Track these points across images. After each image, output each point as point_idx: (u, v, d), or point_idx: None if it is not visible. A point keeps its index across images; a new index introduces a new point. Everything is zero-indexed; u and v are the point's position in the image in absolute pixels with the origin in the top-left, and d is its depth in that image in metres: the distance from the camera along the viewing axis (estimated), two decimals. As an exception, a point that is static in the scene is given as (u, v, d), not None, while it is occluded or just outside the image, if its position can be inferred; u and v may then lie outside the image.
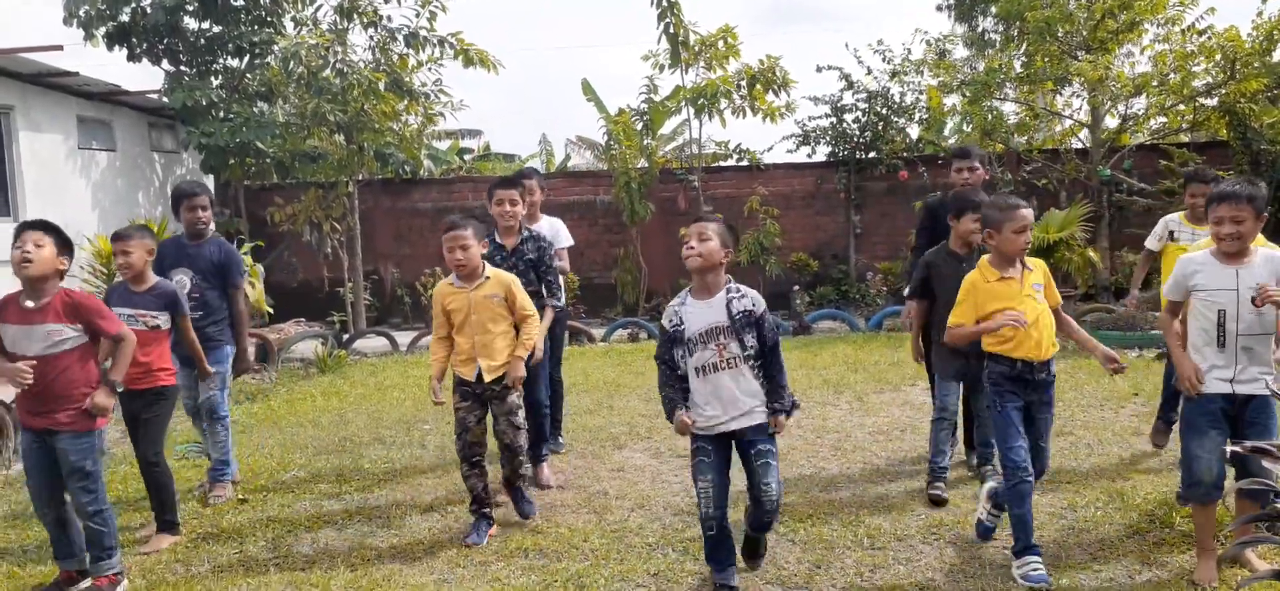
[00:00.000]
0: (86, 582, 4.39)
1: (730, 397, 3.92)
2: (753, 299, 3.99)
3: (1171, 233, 5.81)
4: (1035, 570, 4.06)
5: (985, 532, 4.55)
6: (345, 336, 12.23)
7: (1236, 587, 3.83)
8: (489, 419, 4.95)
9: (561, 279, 5.95)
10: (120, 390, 4.39)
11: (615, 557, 4.55)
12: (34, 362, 4.08)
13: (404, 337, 12.16)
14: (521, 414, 4.96)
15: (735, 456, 4.04)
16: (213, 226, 5.83)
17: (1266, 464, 1.88)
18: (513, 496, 5.15)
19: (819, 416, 7.31)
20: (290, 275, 14.05)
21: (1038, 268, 4.41)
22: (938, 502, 5.11)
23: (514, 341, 4.88)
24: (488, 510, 4.93)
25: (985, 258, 4.46)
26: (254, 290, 10.12)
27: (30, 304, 4.15)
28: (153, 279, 5.02)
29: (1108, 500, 5.07)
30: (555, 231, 6.35)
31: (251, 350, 10.64)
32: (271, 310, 11.06)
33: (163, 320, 4.95)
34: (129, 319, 4.76)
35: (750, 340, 3.92)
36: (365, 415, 7.97)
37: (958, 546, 4.55)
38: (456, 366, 4.86)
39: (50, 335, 4.13)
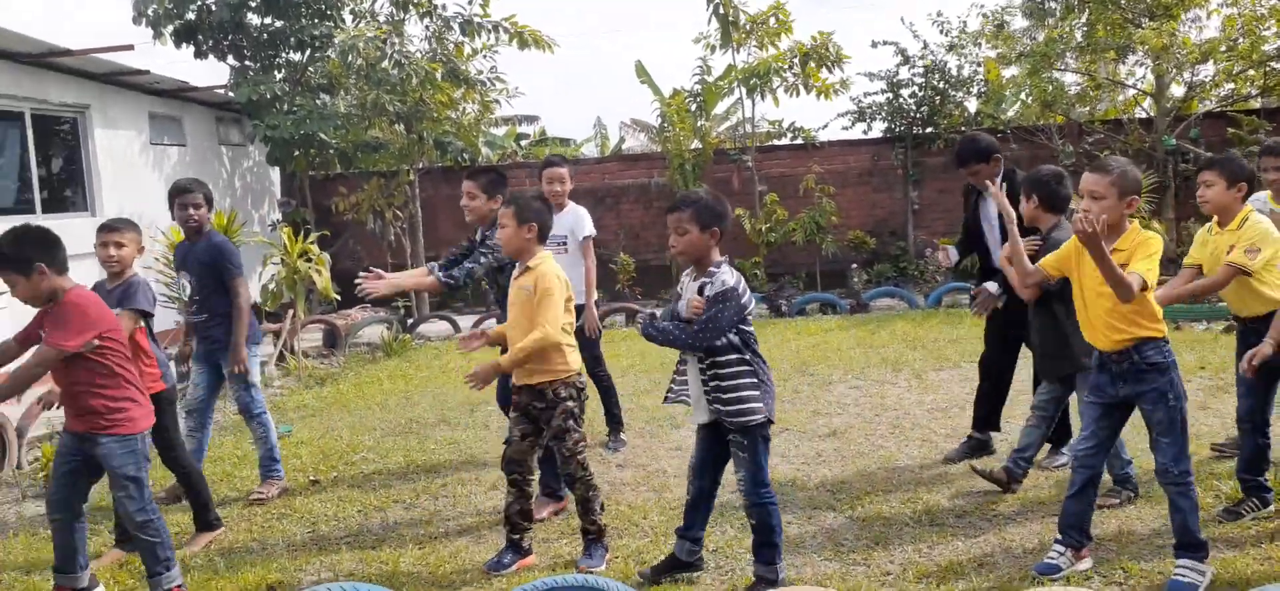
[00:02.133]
0: None
1: (694, 384, 3.91)
2: (722, 281, 3.77)
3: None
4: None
5: (1043, 569, 3.99)
6: (409, 321, 12.50)
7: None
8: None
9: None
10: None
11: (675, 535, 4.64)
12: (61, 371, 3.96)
13: (466, 321, 12.37)
14: (574, 439, 4.22)
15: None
16: (210, 223, 5.59)
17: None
18: (585, 550, 4.35)
19: (877, 395, 7.32)
20: (355, 263, 14.32)
21: (1127, 245, 3.74)
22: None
23: (558, 348, 4.17)
24: (517, 536, 4.31)
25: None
26: (321, 278, 10.40)
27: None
28: (129, 275, 4.78)
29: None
30: (578, 220, 6.15)
31: (319, 336, 10.96)
32: (338, 296, 11.35)
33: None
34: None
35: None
36: (430, 397, 8.17)
37: (1016, 524, 4.56)
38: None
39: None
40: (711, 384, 3.84)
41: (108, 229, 4.84)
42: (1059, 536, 4.01)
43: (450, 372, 9.33)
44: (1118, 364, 3.82)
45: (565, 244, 6.03)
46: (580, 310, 5.71)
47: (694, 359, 3.87)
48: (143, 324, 4.76)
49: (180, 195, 5.47)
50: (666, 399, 4.11)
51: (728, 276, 3.78)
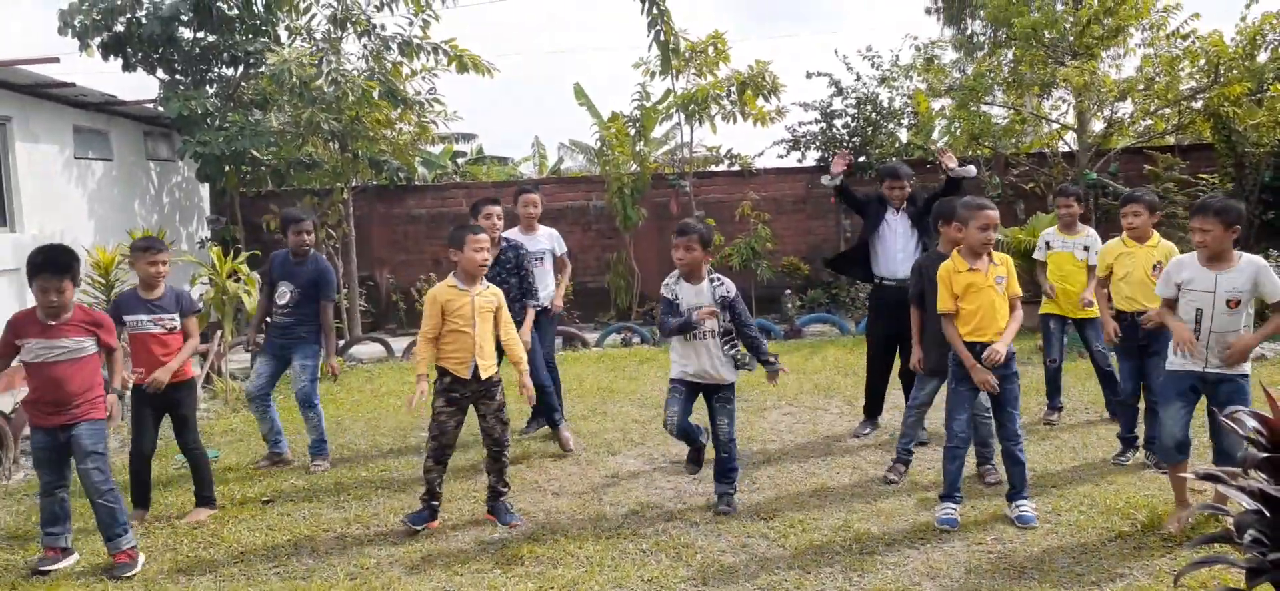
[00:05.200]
0: (69, 560, 4.94)
1: (707, 359, 5.24)
2: (728, 286, 5.31)
3: (1047, 243, 7.16)
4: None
5: (946, 523, 5.01)
6: (341, 342, 12.30)
7: None
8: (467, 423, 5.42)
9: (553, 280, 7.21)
10: (121, 392, 5.10)
11: (610, 564, 4.66)
12: (56, 367, 4.72)
13: (399, 343, 12.24)
14: (506, 410, 5.39)
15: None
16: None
17: (1223, 490, 2.00)
18: (497, 512, 5.35)
19: (809, 421, 7.43)
20: (285, 282, 14.09)
21: (1003, 262, 5.13)
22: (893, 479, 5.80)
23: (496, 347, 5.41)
24: (437, 504, 5.33)
25: (956, 250, 5.19)
26: (250, 299, 10.18)
27: (51, 322, 4.75)
28: (163, 288, 5.58)
29: (1090, 504, 5.20)
30: (555, 239, 7.32)
31: (247, 358, 10.72)
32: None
33: (178, 321, 5.57)
34: (149, 323, 5.48)
35: (725, 318, 5.25)
36: (362, 422, 8.06)
37: (944, 551, 4.67)
38: (452, 365, 5.19)
39: (72, 348, 4.76)
40: (729, 351, 5.28)
41: (157, 250, 5.60)
42: (951, 499, 5.06)
43: (383, 396, 9.22)
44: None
45: (544, 259, 7.14)
46: (546, 311, 6.99)
47: (718, 339, 5.23)
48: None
49: (295, 223, 6.64)
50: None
51: (728, 280, 5.33)
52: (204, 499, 5.72)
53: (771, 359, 5.32)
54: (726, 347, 5.26)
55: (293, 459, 6.79)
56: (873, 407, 6.97)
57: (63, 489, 4.88)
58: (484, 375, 5.21)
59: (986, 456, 5.78)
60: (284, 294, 6.58)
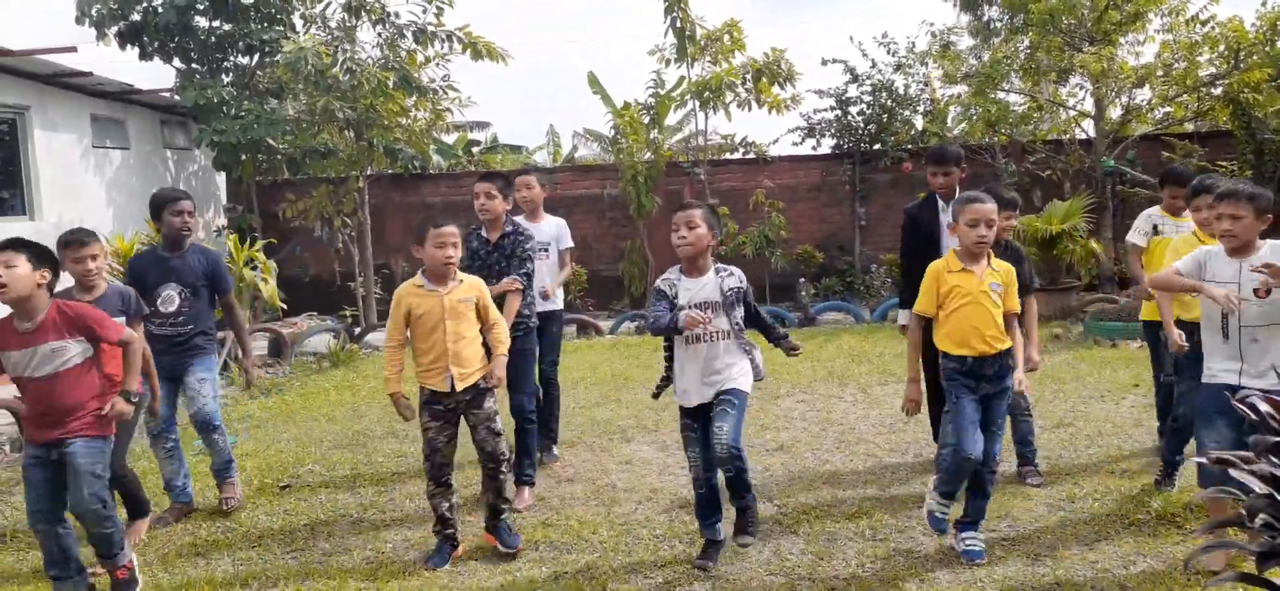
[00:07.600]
0: None
1: (708, 366, 4.38)
2: (739, 276, 4.49)
3: (1156, 227, 5.85)
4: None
5: (937, 524, 4.57)
6: (357, 330, 12.37)
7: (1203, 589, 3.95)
8: (460, 435, 4.74)
9: (537, 276, 5.84)
10: (135, 398, 4.34)
11: (624, 550, 4.69)
12: (43, 382, 4.08)
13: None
14: (500, 420, 4.72)
15: None
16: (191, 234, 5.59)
17: (1234, 474, 1.99)
18: (497, 533, 4.74)
19: (823, 409, 7.42)
20: (302, 270, 14.20)
21: (1002, 270, 4.49)
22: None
23: (483, 349, 4.69)
24: (452, 531, 4.71)
25: (953, 248, 4.57)
26: (267, 286, 10.27)
27: (26, 325, 4.08)
28: (104, 285, 4.84)
29: (1105, 492, 5.18)
30: (559, 231, 6.38)
31: (264, 345, 10.82)
32: (284, 305, 11.19)
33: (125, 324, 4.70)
34: None
35: (737, 315, 4.43)
36: (378, 409, 8.11)
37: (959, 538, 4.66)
38: (424, 378, 4.60)
39: (54, 353, 4.08)
40: (730, 354, 4.40)
41: (80, 243, 4.76)
42: (954, 512, 4.58)
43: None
44: (991, 367, 4.41)
45: (547, 250, 6.22)
46: (554, 314, 6.23)
47: (724, 344, 4.38)
48: None
49: (171, 203, 5.43)
50: (656, 395, 4.64)
51: (738, 270, 4.52)
52: (138, 511, 5.11)
53: (784, 334, 4.64)
54: (742, 345, 4.47)
55: (200, 505, 5.64)
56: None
57: (54, 522, 4.19)
58: (460, 386, 4.55)
59: (1028, 457, 5.47)
60: (171, 298, 5.33)
